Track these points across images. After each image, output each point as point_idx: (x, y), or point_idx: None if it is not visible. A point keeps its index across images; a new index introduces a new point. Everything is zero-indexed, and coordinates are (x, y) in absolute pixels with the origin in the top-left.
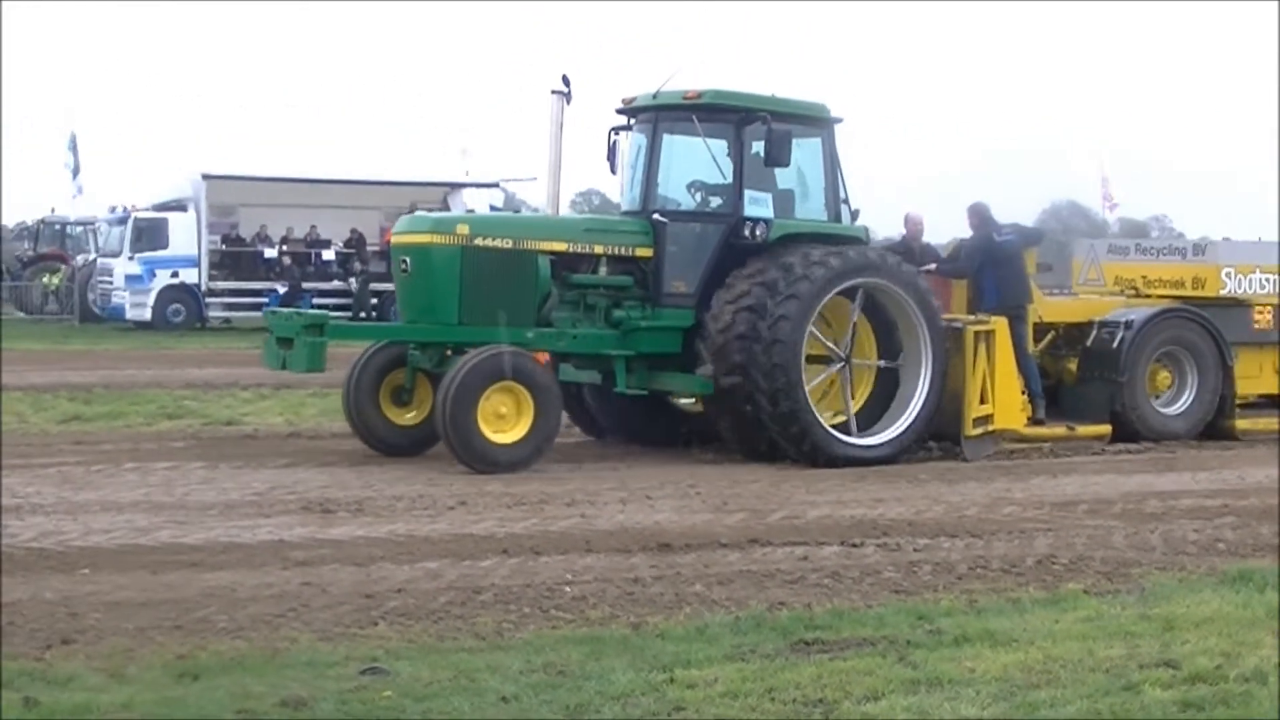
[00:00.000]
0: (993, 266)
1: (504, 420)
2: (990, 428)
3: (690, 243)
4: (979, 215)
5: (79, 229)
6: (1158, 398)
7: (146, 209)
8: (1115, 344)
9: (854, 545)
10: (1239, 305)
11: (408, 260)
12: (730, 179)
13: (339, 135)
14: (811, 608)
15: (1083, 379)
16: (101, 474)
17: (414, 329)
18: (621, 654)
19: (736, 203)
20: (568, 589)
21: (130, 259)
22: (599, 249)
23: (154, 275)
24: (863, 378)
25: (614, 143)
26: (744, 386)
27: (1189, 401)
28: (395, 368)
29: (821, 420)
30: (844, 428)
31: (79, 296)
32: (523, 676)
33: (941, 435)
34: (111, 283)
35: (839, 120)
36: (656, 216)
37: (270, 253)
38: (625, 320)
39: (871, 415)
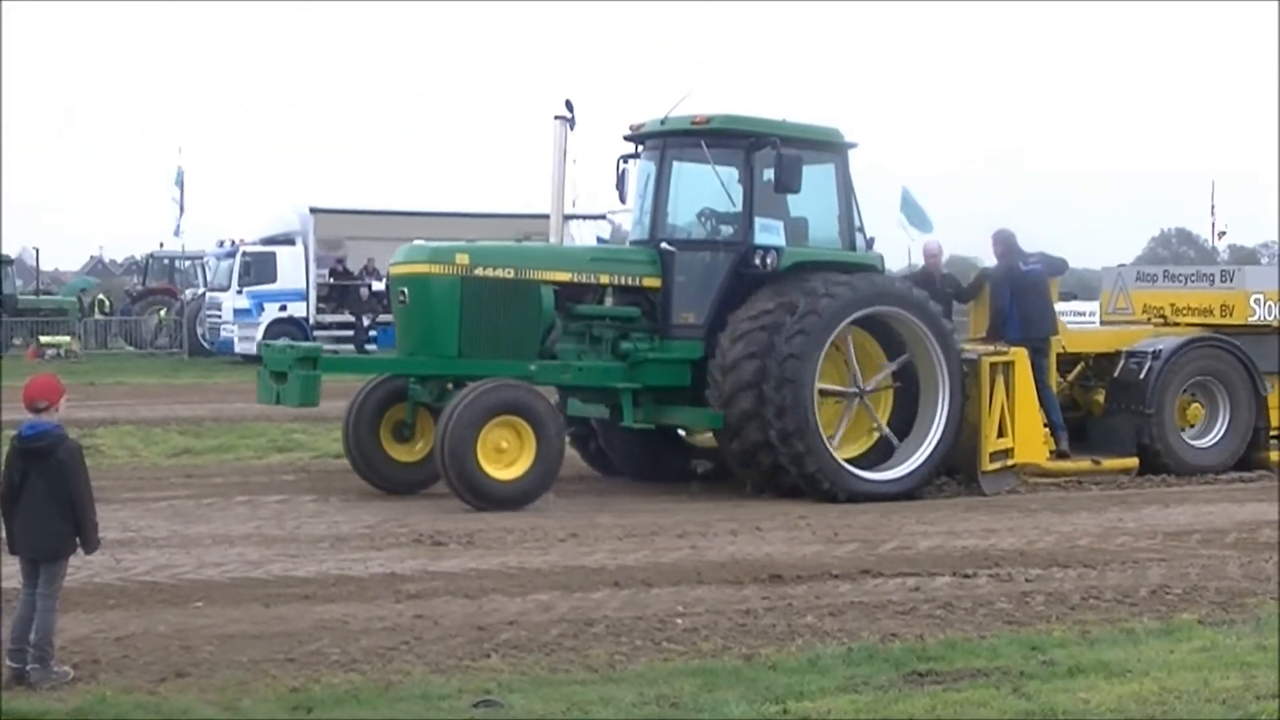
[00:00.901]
0: (1017, 296)
1: (504, 455)
2: (1009, 462)
3: (699, 272)
4: (1004, 243)
5: (187, 263)
6: (1189, 430)
7: (254, 243)
8: (1142, 375)
9: (966, 576)
10: (1272, 333)
11: (406, 291)
12: (740, 206)
13: (448, 168)
14: (924, 639)
15: (1110, 411)
16: (213, 507)
17: (412, 362)
18: (734, 685)
19: (746, 231)
20: (679, 621)
21: (239, 293)
22: (605, 279)
23: (262, 309)
24: (878, 409)
25: (623, 171)
26: (756, 429)
27: (1221, 434)
28: (396, 402)
29: (837, 457)
30: (865, 460)
31: (188, 330)
32: (635, 709)
33: (957, 469)
34: (220, 316)
35: (853, 145)
36: (665, 245)
37: (378, 286)
38: (632, 352)
39: (886, 450)
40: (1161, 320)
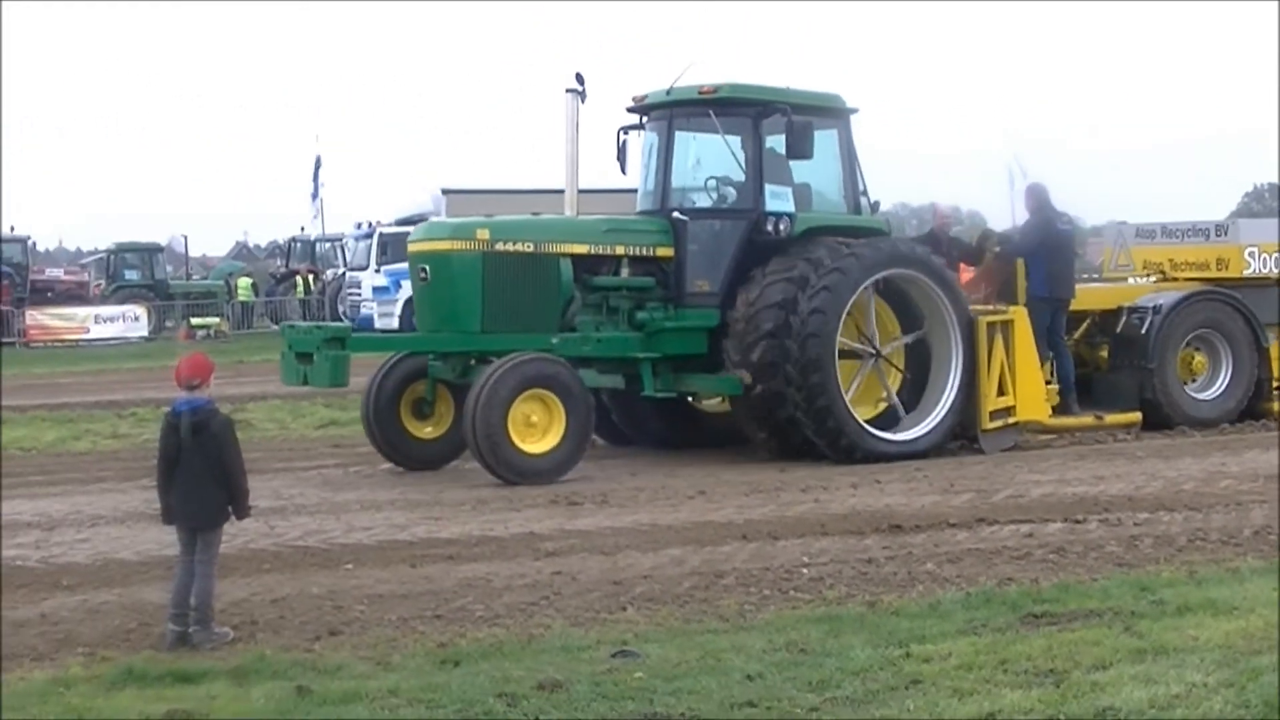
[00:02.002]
0: (1046, 254)
1: (534, 429)
2: (1011, 420)
3: (711, 241)
4: (1038, 198)
5: (327, 245)
6: (1192, 383)
7: (390, 224)
8: (1144, 330)
9: (1077, 521)
10: (1272, 285)
11: (427, 269)
12: (749, 174)
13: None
14: (1038, 582)
15: (1113, 367)
16: (359, 475)
17: (436, 339)
18: (859, 631)
19: (757, 198)
20: (805, 571)
21: (377, 271)
22: (620, 250)
23: (400, 286)
24: (890, 374)
25: (624, 142)
26: (776, 385)
27: (1224, 385)
28: (415, 379)
29: (856, 416)
30: (877, 423)
31: (330, 308)
32: (766, 655)
33: (958, 429)
34: (360, 294)
35: (854, 110)
36: (676, 215)
37: None
38: (649, 322)
39: (894, 415)
40: (1160, 276)
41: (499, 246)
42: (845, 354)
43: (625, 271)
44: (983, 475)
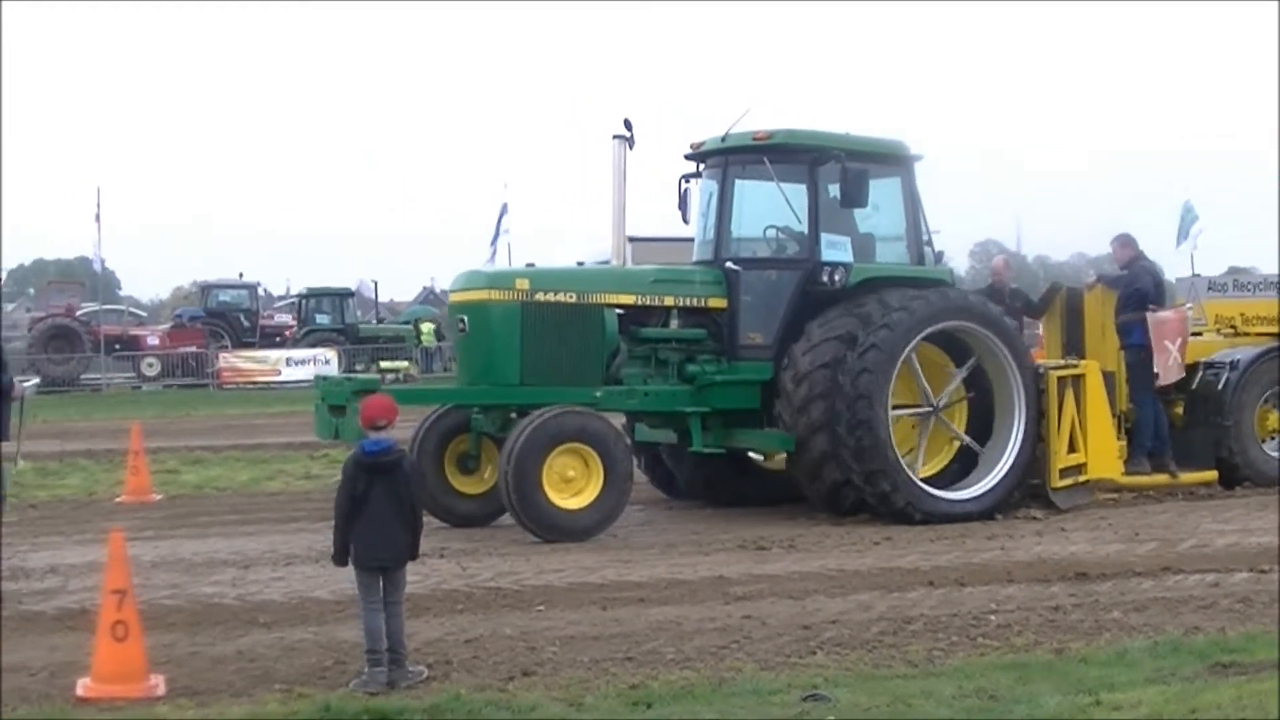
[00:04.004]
0: (1140, 303)
1: (571, 484)
2: (1081, 477)
3: (765, 291)
4: (1132, 245)
5: None
6: (1270, 441)
7: None
8: (1220, 386)
9: (1262, 571)
10: None
11: (465, 319)
12: (805, 223)
13: None
14: (1225, 631)
15: (1189, 423)
16: None
17: (473, 391)
18: (1047, 679)
19: (813, 248)
20: (992, 617)
21: None
22: (669, 301)
23: None
24: (954, 419)
25: (685, 190)
26: (828, 446)
27: None
28: (459, 433)
29: (911, 475)
30: (944, 476)
31: None
32: (955, 701)
33: (1027, 486)
34: None
35: (919, 157)
36: (729, 265)
37: None
38: (699, 375)
39: (967, 464)
40: (1232, 331)
41: (539, 297)
42: (905, 412)
43: (675, 323)
44: (1167, 525)
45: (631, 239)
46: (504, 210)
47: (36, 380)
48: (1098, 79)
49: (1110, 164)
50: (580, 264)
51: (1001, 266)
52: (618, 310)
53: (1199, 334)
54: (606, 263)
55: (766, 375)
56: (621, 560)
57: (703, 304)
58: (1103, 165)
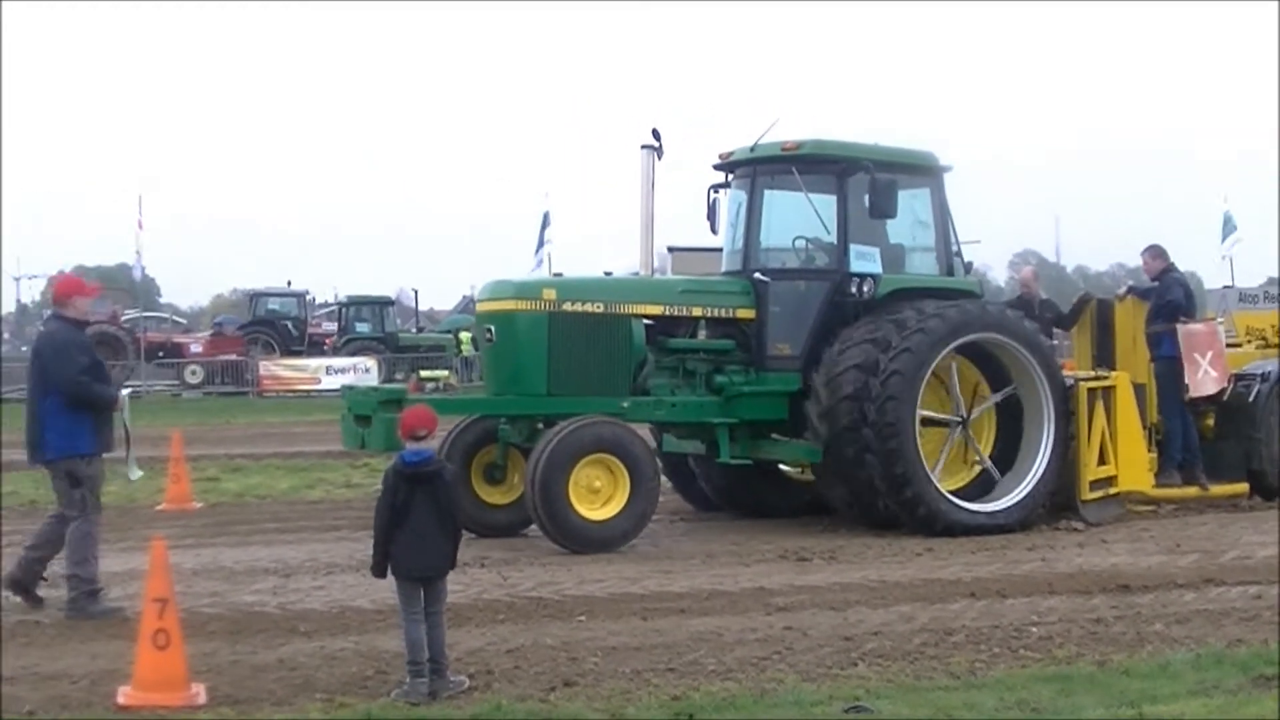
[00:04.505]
0: (1171, 314)
1: (598, 494)
2: (1112, 490)
3: (794, 302)
4: (1163, 256)
5: None
6: None
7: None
8: (1251, 398)
9: None
10: None
11: (492, 329)
12: (834, 233)
13: None
14: (1268, 644)
15: (1220, 435)
16: None
17: (499, 401)
18: (1090, 691)
19: (841, 258)
20: (1034, 629)
21: None
22: (697, 311)
23: None
24: (980, 439)
25: (714, 201)
26: (855, 449)
27: None
28: (486, 443)
29: (937, 484)
30: (969, 490)
31: None
32: (998, 713)
33: (1057, 498)
34: None
35: (948, 168)
36: (758, 276)
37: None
38: (727, 386)
39: (988, 482)
40: (1263, 343)
41: (566, 306)
42: (933, 423)
43: (703, 333)
44: (1208, 536)
45: (671, 249)
46: (546, 220)
47: (129, 390)
48: (1142, 86)
49: (1151, 172)
50: (608, 274)
51: (1030, 277)
52: (646, 320)
53: (1238, 344)
54: (636, 273)
55: (795, 386)
56: (663, 571)
57: (731, 314)
58: (1143, 174)
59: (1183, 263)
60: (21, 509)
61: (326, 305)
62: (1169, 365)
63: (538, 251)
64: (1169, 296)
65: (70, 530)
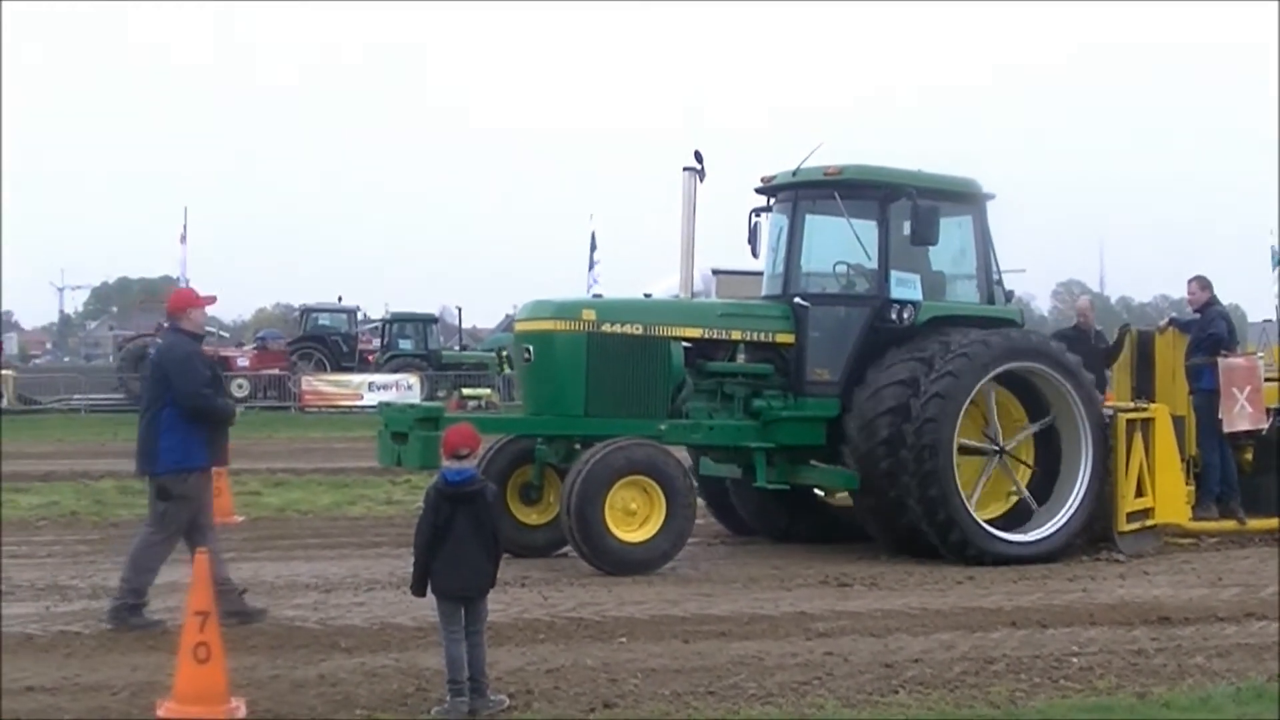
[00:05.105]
0: (1213, 347)
1: (634, 516)
2: (1149, 522)
3: (834, 328)
4: (1209, 289)
5: None
6: None
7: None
8: None
9: None
10: None
11: (531, 348)
12: (875, 259)
13: None
14: None
15: (1258, 469)
16: None
17: (537, 421)
18: None
19: (882, 285)
20: (1075, 660)
21: None
22: (736, 335)
23: None
24: (1018, 469)
25: (755, 224)
26: (890, 463)
27: None
28: (523, 463)
29: (972, 510)
30: (997, 524)
31: None
32: None
33: (1093, 530)
34: None
35: (991, 196)
36: (798, 300)
37: None
38: (765, 410)
39: (1026, 511)
40: None
41: (605, 328)
42: (970, 451)
43: (742, 357)
44: (1250, 570)
45: (716, 271)
46: (594, 242)
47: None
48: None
49: (1198, 202)
50: (647, 295)
51: (1087, 306)
52: (684, 343)
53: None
54: (695, 295)
55: (833, 412)
56: (703, 594)
57: (770, 339)
58: (1190, 204)
59: (1226, 295)
60: (62, 519)
61: (370, 321)
62: (1209, 398)
63: (590, 270)
64: (1211, 329)
65: (141, 538)
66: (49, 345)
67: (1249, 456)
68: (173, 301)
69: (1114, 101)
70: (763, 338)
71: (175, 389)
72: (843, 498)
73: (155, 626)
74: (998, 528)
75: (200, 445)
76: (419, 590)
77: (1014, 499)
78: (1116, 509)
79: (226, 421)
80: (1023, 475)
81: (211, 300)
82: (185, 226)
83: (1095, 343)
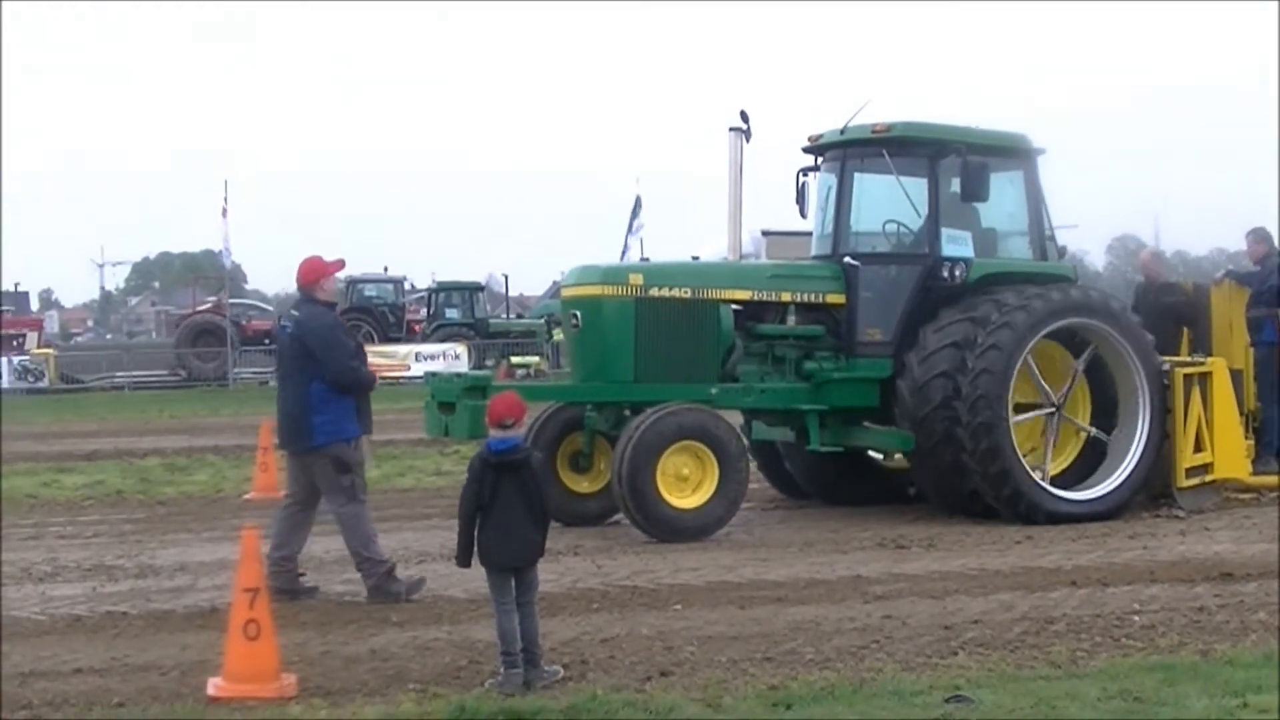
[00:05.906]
0: (1273, 299)
1: (686, 482)
2: (1208, 477)
3: (885, 287)
4: (1267, 241)
5: None
6: None
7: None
8: None
9: None
10: None
11: (578, 315)
12: (925, 217)
13: None
14: None
15: None
16: None
17: (586, 388)
18: (1193, 680)
19: (933, 242)
20: (1136, 618)
21: None
22: (786, 297)
23: None
24: (1073, 431)
25: (803, 184)
26: (950, 453)
27: None
28: (572, 431)
29: (1034, 476)
30: (1067, 476)
31: None
32: (1100, 703)
33: (1152, 486)
34: None
35: (1041, 151)
36: (848, 260)
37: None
38: (817, 372)
39: (1085, 468)
40: None
41: (654, 292)
42: (1028, 410)
43: (792, 319)
44: None
45: (765, 232)
46: (637, 205)
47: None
48: (1248, 65)
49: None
50: (695, 258)
51: (1150, 259)
52: (734, 306)
53: None
54: (745, 256)
55: (886, 373)
56: (759, 559)
57: (821, 300)
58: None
59: None
60: (108, 499)
61: (417, 291)
62: (1269, 351)
63: (628, 236)
64: (1271, 281)
65: (341, 517)
66: (90, 323)
67: None
68: (304, 272)
69: (1171, 52)
70: (813, 299)
71: (325, 364)
72: (898, 459)
73: (418, 586)
74: (1067, 479)
75: (350, 417)
76: (464, 561)
77: (1083, 437)
78: (1175, 465)
79: (369, 390)
80: (1076, 443)
81: (341, 265)
82: (226, 200)
83: (1158, 296)
